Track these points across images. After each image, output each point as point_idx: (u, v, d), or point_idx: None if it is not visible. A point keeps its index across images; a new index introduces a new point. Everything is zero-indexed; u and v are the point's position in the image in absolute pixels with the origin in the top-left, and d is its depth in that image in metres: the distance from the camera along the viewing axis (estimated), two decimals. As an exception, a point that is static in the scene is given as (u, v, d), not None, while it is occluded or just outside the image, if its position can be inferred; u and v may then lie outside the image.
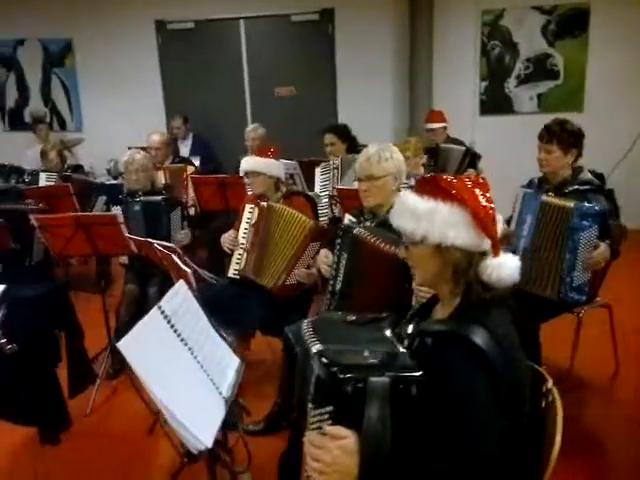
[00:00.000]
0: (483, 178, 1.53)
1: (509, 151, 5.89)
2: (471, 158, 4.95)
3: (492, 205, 1.44)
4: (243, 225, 3.36)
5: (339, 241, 2.54)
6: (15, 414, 2.41)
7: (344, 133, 4.68)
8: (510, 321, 1.48)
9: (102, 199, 4.87)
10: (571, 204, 2.78)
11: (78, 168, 5.75)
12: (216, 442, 2.06)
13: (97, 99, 7.02)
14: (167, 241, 3.29)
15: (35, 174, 5.24)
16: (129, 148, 4.33)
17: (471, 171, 4.91)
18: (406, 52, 6.37)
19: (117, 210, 3.69)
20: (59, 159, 5.38)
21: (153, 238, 3.03)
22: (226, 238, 3.38)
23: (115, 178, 5.54)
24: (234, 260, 3.35)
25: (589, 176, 3.04)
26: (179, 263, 2.27)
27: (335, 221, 3.88)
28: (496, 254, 1.45)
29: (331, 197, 3.98)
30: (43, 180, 5.14)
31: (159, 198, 3.71)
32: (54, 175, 5.17)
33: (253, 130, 5.28)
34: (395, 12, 6.38)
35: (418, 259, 1.53)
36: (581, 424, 2.97)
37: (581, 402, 3.15)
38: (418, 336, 1.47)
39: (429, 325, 1.53)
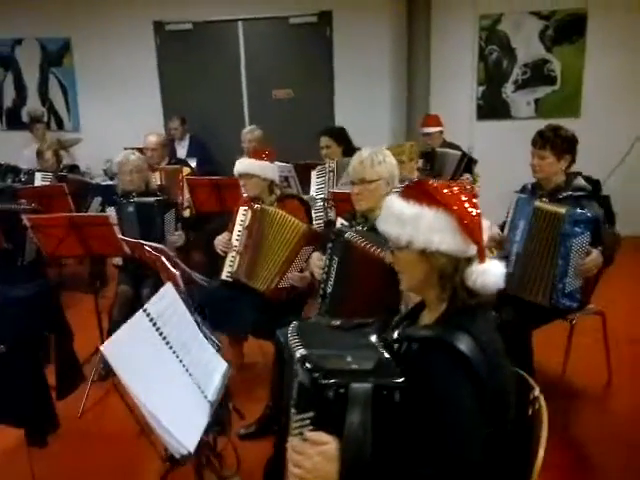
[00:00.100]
0: (472, 185, 1.53)
1: (506, 156, 5.88)
2: (467, 163, 4.94)
3: (478, 211, 1.44)
4: (237, 227, 3.35)
5: (330, 245, 2.55)
6: (4, 415, 2.40)
7: (340, 136, 4.67)
8: (494, 327, 1.48)
9: (98, 200, 4.86)
10: (563, 210, 2.77)
11: (74, 168, 5.75)
12: (205, 446, 2.06)
13: (95, 99, 7.00)
14: (161, 242, 3.29)
15: (31, 174, 5.23)
16: (125, 149, 4.32)
17: (467, 176, 4.92)
18: (404, 55, 6.38)
19: (111, 211, 3.68)
20: (55, 159, 5.36)
21: (147, 239, 3.01)
22: (219, 240, 3.38)
23: (111, 179, 5.51)
24: (227, 262, 3.35)
25: (583, 182, 3.03)
26: (168, 265, 2.26)
27: (330, 224, 3.87)
28: (482, 260, 1.44)
29: (326, 200, 3.97)
30: (39, 180, 5.14)
31: (153, 199, 3.70)
32: (49, 175, 5.16)
33: (250, 132, 5.28)
34: (393, 15, 6.38)
35: (404, 264, 1.53)
36: (572, 432, 2.96)
37: (573, 411, 3.13)
38: (404, 341, 1.46)
39: (415, 331, 1.52)
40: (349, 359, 1.34)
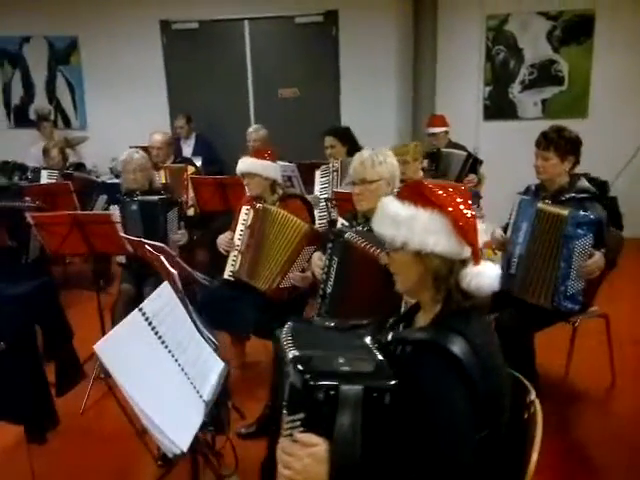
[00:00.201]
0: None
1: (512, 157, 5.83)
2: (472, 163, 4.92)
3: (473, 213, 1.43)
4: (239, 227, 3.35)
5: (330, 245, 2.54)
6: (4, 412, 2.41)
7: (344, 136, 4.66)
8: (490, 330, 1.47)
9: (103, 198, 4.89)
10: (565, 212, 2.75)
11: (80, 166, 5.78)
12: (204, 445, 2.06)
13: (101, 97, 7.02)
14: (164, 241, 3.30)
15: (37, 171, 5.26)
16: (131, 147, 4.33)
17: (472, 176, 4.90)
18: (410, 54, 6.35)
19: (115, 209, 3.69)
20: (61, 157, 5.39)
21: (150, 238, 3.02)
22: (222, 240, 3.38)
23: (117, 177, 5.53)
24: (229, 262, 3.35)
25: (586, 184, 3.01)
26: (166, 264, 2.26)
27: (333, 224, 3.86)
28: (476, 262, 1.43)
29: (329, 200, 3.96)
30: (44, 178, 5.17)
31: (156, 198, 3.70)
32: (55, 173, 5.19)
33: (255, 131, 5.28)
34: (399, 14, 6.36)
35: (399, 265, 1.53)
36: (574, 434, 2.95)
37: (576, 413, 3.12)
38: (399, 343, 1.46)
39: (409, 333, 1.52)
40: (341, 361, 1.34)
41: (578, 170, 3.09)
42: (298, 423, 1.29)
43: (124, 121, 6.74)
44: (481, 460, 1.34)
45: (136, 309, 1.63)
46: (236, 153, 5.45)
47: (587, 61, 6.15)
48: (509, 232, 3.09)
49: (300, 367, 1.30)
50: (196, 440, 1.72)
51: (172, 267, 2.25)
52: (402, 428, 1.31)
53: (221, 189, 4.44)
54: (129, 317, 1.59)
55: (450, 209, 1.41)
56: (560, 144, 2.95)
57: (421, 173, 4.26)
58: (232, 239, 3.34)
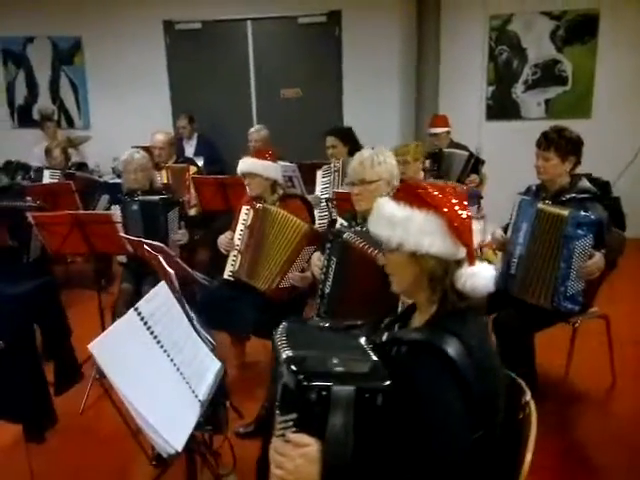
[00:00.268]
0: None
1: (515, 157, 5.79)
2: (474, 163, 4.92)
3: (468, 213, 1.43)
4: (239, 227, 3.35)
5: (329, 245, 2.54)
6: (2, 411, 2.42)
7: (346, 136, 4.65)
8: (486, 331, 1.47)
9: (105, 198, 4.90)
10: (566, 212, 2.74)
11: (82, 166, 5.79)
12: (202, 444, 2.06)
13: (105, 98, 7.05)
14: (165, 241, 3.30)
15: (39, 171, 5.27)
16: (133, 147, 4.34)
17: (474, 176, 4.89)
18: (413, 55, 6.35)
19: (117, 209, 3.70)
20: (63, 157, 5.40)
21: (151, 238, 3.01)
22: (222, 239, 3.38)
23: (119, 177, 5.52)
24: (229, 261, 3.35)
25: (587, 184, 3.00)
26: (163, 264, 2.26)
27: (334, 224, 3.85)
28: (471, 263, 1.43)
29: (329, 200, 3.96)
30: (47, 177, 5.18)
31: (157, 198, 3.70)
32: (58, 172, 5.20)
33: (256, 131, 5.29)
34: (402, 15, 6.36)
35: (395, 266, 1.53)
36: (574, 435, 2.94)
37: (576, 413, 3.11)
38: (394, 344, 1.46)
39: (405, 333, 1.52)
40: (335, 361, 1.33)
41: (581, 170, 3.08)
42: (291, 423, 1.28)
43: (127, 121, 6.77)
44: (476, 461, 1.34)
45: (131, 309, 1.63)
46: (238, 153, 5.46)
47: (591, 61, 6.13)
48: (509, 232, 3.08)
49: (293, 367, 1.30)
50: (193, 439, 1.72)
51: (170, 267, 2.25)
52: (396, 428, 1.31)
53: (222, 189, 4.45)
54: (124, 317, 1.59)
55: (445, 210, 1.41)
56: (561, 144, 2.94)
57: (422, 173, 4.25)
58: (232, 239, 3.35)
